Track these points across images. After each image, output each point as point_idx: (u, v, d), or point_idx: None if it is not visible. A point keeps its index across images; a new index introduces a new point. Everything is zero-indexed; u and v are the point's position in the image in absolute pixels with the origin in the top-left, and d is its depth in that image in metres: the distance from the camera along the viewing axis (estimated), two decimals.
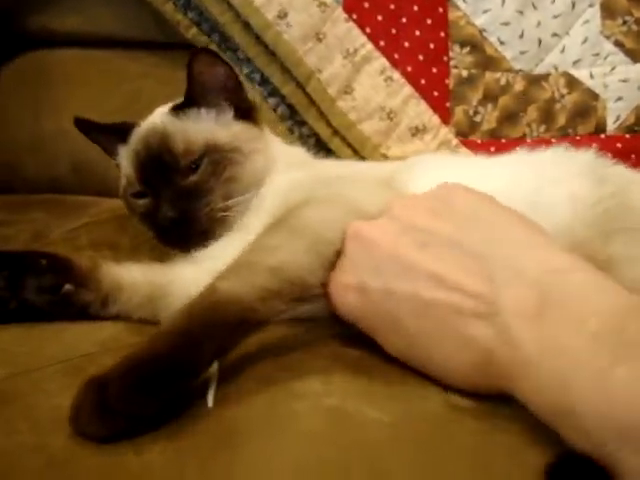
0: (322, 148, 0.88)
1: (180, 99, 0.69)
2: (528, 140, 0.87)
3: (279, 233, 0.52)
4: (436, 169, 0.65)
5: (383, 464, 0.35)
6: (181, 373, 0.40)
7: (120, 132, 0.70)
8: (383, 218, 0.50)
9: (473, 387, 0.42)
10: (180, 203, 0.63)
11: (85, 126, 0.71)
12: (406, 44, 0.86)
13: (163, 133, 0.66)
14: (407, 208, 0.49)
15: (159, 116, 0.69)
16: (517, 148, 0.85)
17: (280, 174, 0.68)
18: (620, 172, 0.60)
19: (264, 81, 0.90)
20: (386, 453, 0.36)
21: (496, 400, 0.40)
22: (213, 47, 0.91)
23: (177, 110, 0.68)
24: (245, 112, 0.69)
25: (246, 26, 0.87)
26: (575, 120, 0.87)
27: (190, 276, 0.61)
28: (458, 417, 0.39)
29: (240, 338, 0.45)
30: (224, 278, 0.47)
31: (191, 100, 0.67)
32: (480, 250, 0.43)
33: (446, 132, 0.86)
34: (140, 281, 0.60)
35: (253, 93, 0.89)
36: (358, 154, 0.87)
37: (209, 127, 0.66)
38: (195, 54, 0.65)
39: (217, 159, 0.65)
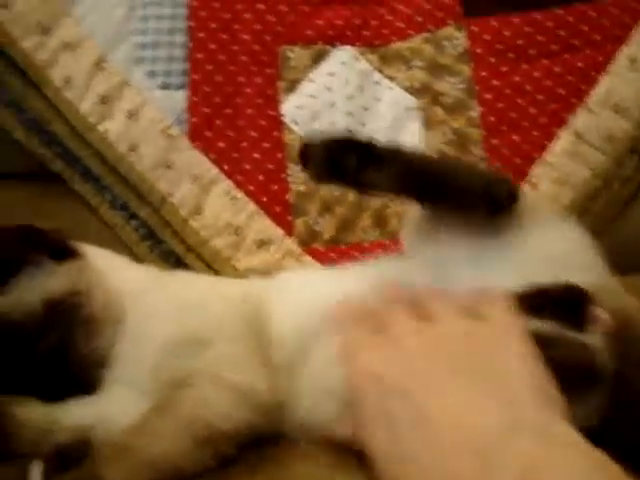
0: (181, 264, 0.95)
1: None
2: (365, 244, 0.95)
3: (159, 418, 0.55)
4: (297, 293, 0.70)
5: None
6: None
7: None
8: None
9: None
10: (45, 371, 0.62)
11: None
12: (247, 166, 0.95)
13: None
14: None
15: None
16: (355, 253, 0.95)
17: (133, 302, 0.68)
18: None
19: (124, 206, 0.98)
20: None
21: None
22: (76, 177, 0.99)
23: None
24: (61, 252, 0.68)
25: (103, 158, 0.95)
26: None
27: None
28: None
29: None
30: (109, 465, 0.50)
31: (7, 271, 0.64)
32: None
33: (290, 242, 0.95)
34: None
35: (116, 218, 0.98)
36: (211, 267, 0.94)
37: (36, 286, 0.64)
38: None
39: (61, 311, 0.64)
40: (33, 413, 0.61)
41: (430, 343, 0.52)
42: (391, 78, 0.99)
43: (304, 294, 0.70)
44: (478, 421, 0.44)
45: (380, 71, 0.99)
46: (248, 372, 0.60)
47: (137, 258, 0.96)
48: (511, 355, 0.49)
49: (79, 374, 0.64)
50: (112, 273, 0.73)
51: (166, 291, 0.71)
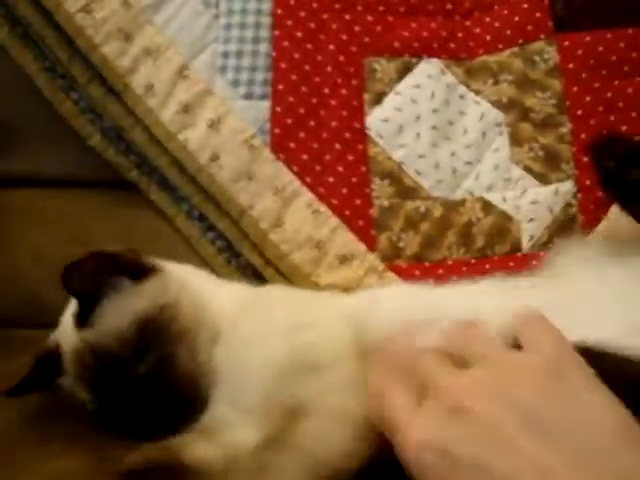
0: (258, 277, 0.93)
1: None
2: (449, 262, 0.92)
3: (277, 454, 0.53)
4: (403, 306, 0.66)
5: None
6: None
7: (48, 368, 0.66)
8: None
9: None
10: (149, 395, 0.60)
11: None
12: (330, 179, 0.93)
13: (93, 346, 0.62)
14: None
15: (72, 336, 0.65)
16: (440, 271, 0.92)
17: (228, 317, 0.67)
18: None
19: (202, 217, 0.96)
20: None
21: None
22: (153, 187, 0.97)
23: (83, 318, 0.64)
24: (140, 272, 0.67)
25: (182, 168, 0.93)
26: (492, 241, 0.92)
27: None
28: None
29: None
30: None
31: (91, 302, 0.64)
32: None
33: (372, 258, 0.92)
34: None
35: (192, 229, 0.96)
36: (290, 282, 0.91)
37: (121, 310, 0.63)
38: (63, 277, 0.61)
39: (153, 330, 0.63)
40: (203, 453, 0.57)
41: (483, 394, 0.45)
42: (477, 92, 0.96)
43: (408, 313, 0.67)
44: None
45: (466, 85, 0.96)
46: (361, 401, 0.57)
47: (213, 271, 0.94)
48: (580, 389, 0.44)
49: (184, 393, 0.62)
50: (197, 286, 0.72)
51: (269, 310, 0.69)
